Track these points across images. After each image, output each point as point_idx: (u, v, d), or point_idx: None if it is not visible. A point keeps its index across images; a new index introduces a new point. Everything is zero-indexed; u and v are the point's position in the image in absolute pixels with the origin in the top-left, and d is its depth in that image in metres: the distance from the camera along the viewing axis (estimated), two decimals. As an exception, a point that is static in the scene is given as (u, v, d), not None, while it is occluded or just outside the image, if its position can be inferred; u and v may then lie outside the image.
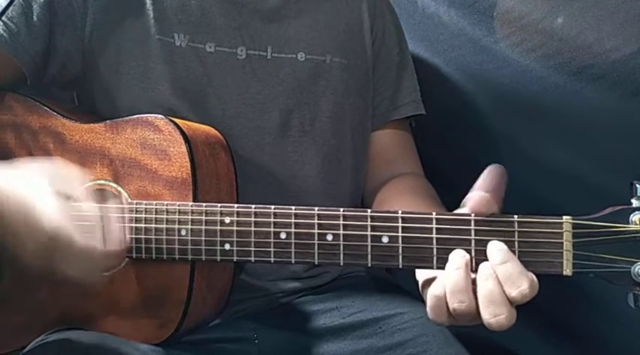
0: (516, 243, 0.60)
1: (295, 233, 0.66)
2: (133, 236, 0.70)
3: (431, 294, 0.60)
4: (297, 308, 0.85)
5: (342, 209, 0.65)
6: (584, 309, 0.81)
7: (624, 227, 0.58)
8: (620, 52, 0.74)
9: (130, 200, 0.72)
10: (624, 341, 0.78)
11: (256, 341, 0.79)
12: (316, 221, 0.65)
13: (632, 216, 0.58)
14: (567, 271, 0.59)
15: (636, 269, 0.58)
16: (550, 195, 0.84)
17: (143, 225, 0.70)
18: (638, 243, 0.58)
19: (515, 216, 0.60)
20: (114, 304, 0.72)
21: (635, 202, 0.59)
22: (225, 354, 0.78)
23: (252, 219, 0.67)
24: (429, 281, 0.62)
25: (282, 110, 0.86)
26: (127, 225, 0.70)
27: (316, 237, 0.65)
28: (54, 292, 0.74)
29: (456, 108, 1.00)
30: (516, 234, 0.60)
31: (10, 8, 0.79)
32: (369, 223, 0.64)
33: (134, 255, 0.71)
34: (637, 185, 0.59)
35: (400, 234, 0.63)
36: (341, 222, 0.64)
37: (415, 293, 0.68)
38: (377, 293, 0.86)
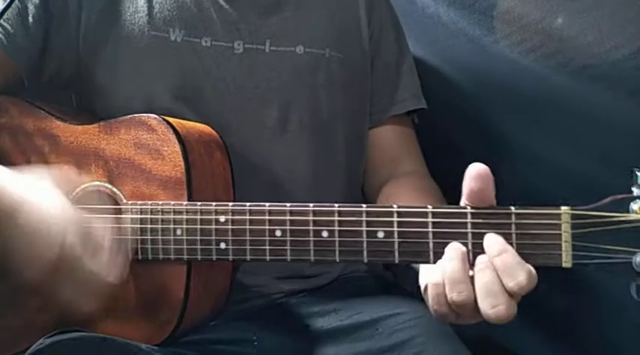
0: (514, 235, 0.59)
1: (290, 230, 0.65)
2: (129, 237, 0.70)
3: (431, 283, 0.60)
4: (295, 309, 0.84)
5: (337, 205, 0.64)
6: (585, 303, 0.80)
7: (624, 216, 0.57)
8: (620, 52, 0.72)
9: (125, 201, 0.72)
10: (626, 335, 0.76)
11: (255, 343, 0.78)
12: (311, 217, 0.64)
13: (632, 204, 0.57)
14: (567, 263, 0.58)
15: (637, 260, 0.57)
16: (550, 195, 0.83)
17: (138, 226, 0.70)
18: (639, 233, 0.56)
19: (513, 208, 0.59)
20: (112, 305, 0.72)
21: (635, 190, 0.57)
22: (224, 356, 0.77)
23: (247, 217, 0.67)
24: None
25: (281, 104, 0.85)
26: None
27: (311, 234, 0.64)
28: (53, 294, 0.74)
29: (456, 108, 0.99)
30: (514, 226, 0.59)
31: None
32: (364, 218, 0.63)
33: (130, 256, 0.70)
34: (637, 173, 0.57)
35: (396, 229, 0.62)
36: (336, 218, 0.63)
37: (414, 293, 0.67)
38: (376, 294, 0.85)
